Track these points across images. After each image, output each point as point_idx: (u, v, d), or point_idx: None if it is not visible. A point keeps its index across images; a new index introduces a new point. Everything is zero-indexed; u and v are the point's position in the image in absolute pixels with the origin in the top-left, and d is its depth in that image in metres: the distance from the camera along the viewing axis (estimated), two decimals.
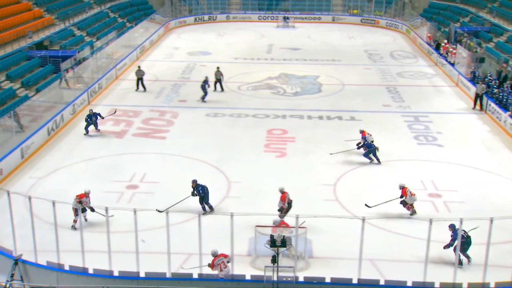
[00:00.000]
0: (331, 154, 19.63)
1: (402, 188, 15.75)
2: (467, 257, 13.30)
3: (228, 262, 12.22)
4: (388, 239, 14.54)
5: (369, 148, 19.09)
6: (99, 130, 21.85)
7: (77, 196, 14.84)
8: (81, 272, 12.19)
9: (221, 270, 12.13)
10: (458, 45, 33.45)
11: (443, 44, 34.70)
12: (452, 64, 31.43)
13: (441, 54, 33.76)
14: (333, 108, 25.30)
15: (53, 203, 12.20)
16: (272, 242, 11.55)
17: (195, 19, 48.98)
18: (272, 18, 49.72)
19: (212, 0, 50.64)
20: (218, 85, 27.66)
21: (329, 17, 50.13)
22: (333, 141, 21.15)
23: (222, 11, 50.79)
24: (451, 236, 13.19)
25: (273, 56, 36.26)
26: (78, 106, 24.38)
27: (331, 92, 28.08)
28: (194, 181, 15.72)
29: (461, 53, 31.83)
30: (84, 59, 29.91)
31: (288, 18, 47.57)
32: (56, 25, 35.11)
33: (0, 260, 12.77)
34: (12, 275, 12.32)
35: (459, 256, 12.66)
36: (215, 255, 12.30)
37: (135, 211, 12.15)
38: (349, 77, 30.92)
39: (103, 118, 22.09)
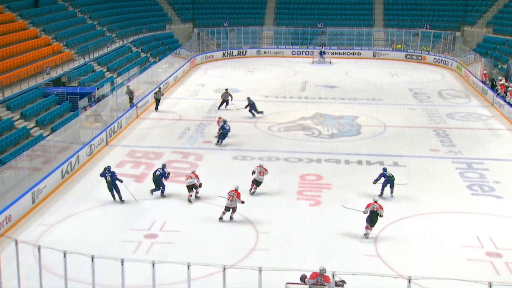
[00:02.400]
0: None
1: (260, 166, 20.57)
2: (392, 191, 20.13)
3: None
4: None
5: (223, 131, 25.86)
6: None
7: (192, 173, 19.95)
8: None
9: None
10: None
11: (501, 83, 34.39)
12: None
13: (498, 94, 33.42)
14: (373, 152, 25.15)
15: (64, 254, 12.34)
16: None
17: (223, 54, 50.12)
18: (306, 53, 50.48)
19: (242, 34, 51.89)
20: (224, 105, 32.41)
21: (370, 53, 50.60)
22: (374, 189, 20.92)
23: (252, 45, 51.89)
24: (379, 174, 20.19)
25: (308, 95, 36.56)
26: (96, 146, 24.92)
27: (371, 135, 27.99)
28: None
29: None
30: (104, 96, 30.75)
31: (324, 53, 48.18)
32: (76, 60, 36.40)
33: None
34: None
35: (383, 190, 20.07)
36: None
37: (153, 264, 12.17)
38: (392, 118, 30.82)
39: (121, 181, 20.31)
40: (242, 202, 18.47)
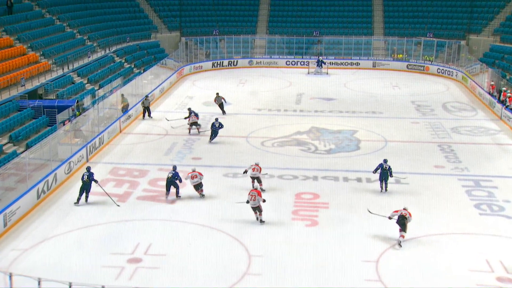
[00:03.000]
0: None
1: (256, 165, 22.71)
2: (386, 185, 22.56)
3: None
4: None
5: (213, 128, 28.97)
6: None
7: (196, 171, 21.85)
8: None
9: None
10: None
11: (508, 95, 34.63)
12: None
13: (507, 106, 33.61)
14: (374, 169, 25.15)
15: (39, 281, 12.19)
16: None
17: (213, 65, 50.27)
18: (302, 63, 50.70)
19: (233, 43, 52.10)
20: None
21: (369, 63, 50.90)
22: (375, 208, 20.88)
23: (244, 55, 52.10)
24: (378, 164, 22.72)
25: (303, 107, 36.65)
26: (75, 164, 24.77)
27: (371, 150, 28.05)
28: None
29: None
30: (84, 109, 30.64)
31: (323, 63, 48.25)
32: (53, 71, 36.34)
33: None
34: None
35: (382, 184, 22.55)
36: None
37: None
38: (393, 133, 30.91)
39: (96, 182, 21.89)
40: (264, 200, 19.78)
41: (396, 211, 18.57)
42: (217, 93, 34.73)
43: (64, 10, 44.77)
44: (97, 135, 27.74)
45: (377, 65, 50.64)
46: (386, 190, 22.53)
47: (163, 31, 53.97)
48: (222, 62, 50.83)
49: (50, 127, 29.08)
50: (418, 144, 29.15)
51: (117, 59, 44.73)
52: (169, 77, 42.69)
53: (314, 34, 54.01)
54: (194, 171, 21.94)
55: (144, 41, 50.61)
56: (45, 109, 30.09)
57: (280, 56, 51.97)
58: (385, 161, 22.70)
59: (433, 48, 50.09)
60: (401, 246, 18.02)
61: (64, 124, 27.60)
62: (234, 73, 48.00)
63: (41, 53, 37.32)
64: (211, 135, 28.97)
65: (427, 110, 36.23)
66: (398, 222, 18.28)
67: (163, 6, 55.96)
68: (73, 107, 30.17)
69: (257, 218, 19.82)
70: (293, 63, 51.25)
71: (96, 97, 34.18)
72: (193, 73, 47.94)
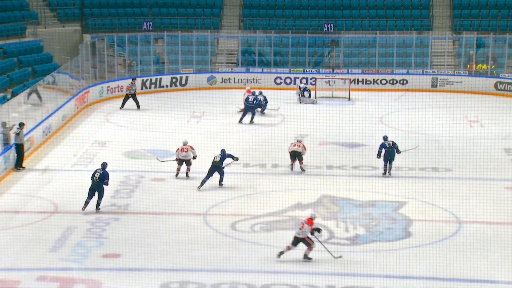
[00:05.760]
0: None
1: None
2: (390, 168, 33.92)
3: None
4: None
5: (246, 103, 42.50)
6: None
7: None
8: None
9: None
10: None
11: None
12: None
13: None
14: (438, 274, 25.10)
15: None
16: None
17: (143, 84, 50.35)
18: (303, 81, 51.02)
19: (180, 46, 52.39)
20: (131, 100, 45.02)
21: (426, 80, 51.47)
22: None
23: (200, 66, 52.37)
24: (380, 145, 33.71)
25: (307, 161, 36.74)
26: None
27: (432, 239, 28.10)
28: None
29: None
30: None
31: (306, 89, 48.62)
32: None
33: None
34: None
35: (386, 165, 33.96)
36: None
37: None
38: (472, 208, 30.91)
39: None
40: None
41: None
42: (134, 78, 43.94)
43: None
44: None
45: (440, 83, 51.22)
46: (389, 173, 33.75)
47: (50, 23, 54.34)
48: (160, 79, 51.09)
49: None
50: None
51: None
52: (62, 106, 42.63)
53: (325, 29, 54.64)
54: (185, 144, 33.46)
55: (13, 41, 50.73)
56: None
57: (265, 69, 52.33)
58: (385, 138, 33.40)
59: None
60: None
61: None
62: (182, 99, 48.18)
63: None
64: (244, 114, 42.80)
65: None
66: None
67: None
68: None
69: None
70: (288, 81, 51.61)
71: None
72: (107, 99, 48.05)
